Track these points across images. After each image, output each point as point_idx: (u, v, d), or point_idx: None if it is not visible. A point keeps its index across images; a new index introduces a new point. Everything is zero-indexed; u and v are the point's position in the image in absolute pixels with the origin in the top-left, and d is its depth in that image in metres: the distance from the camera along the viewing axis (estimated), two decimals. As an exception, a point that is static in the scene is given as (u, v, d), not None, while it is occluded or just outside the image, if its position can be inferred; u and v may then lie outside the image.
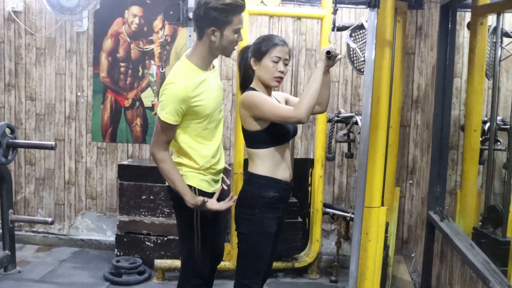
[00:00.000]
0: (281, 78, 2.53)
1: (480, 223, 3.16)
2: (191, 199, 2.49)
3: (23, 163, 4.78)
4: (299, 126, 4.33)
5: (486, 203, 3.12)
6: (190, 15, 3.50)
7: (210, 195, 2.60)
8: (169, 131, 2.47)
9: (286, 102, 2.67)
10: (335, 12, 2.72)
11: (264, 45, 2.50)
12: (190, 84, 2.44)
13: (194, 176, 2.57)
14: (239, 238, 2.57)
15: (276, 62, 2.49)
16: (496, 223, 2.94)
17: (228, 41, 2.49)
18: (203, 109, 2.49)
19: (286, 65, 2.54)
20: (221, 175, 2.75)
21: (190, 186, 2.54)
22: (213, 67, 2.64)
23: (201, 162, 2.56)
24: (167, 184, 2.64)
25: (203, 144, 2.56)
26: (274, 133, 2.49)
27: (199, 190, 2.56)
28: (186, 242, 2.62)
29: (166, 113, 2.42)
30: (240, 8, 2.46)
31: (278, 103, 2.52)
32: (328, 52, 2.45)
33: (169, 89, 2.43)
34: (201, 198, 2.48)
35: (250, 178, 2.55)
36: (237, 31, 2.49)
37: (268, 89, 2.57)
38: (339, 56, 2.52)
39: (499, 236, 2.85)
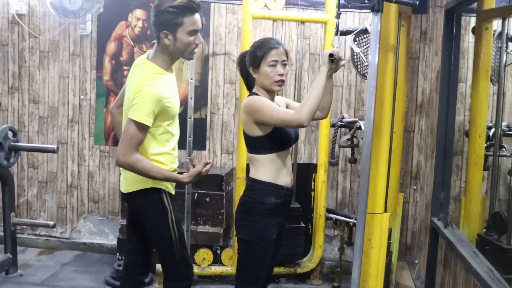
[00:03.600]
0: (283, 81, 2.49)
1: (484, 230, 3.13)
2: (186, 178, 2.48)
3: (26, 165, 4.77)
4: (302, 131, 4.32)
5: (491, 210, 3.09)
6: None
7: (174, 197, 2.61)
8: (142, 133, 2.41)
9: (287, 107, 2.64)
10: (338, 16, 2.70)
11: (258, 51, 2.47)
12: (162, 85, 2.44)
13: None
14: (240, 244, 2.55)
15: (274, 66, 2.46)
16: (501, 230, 2.91)
17: (183, 44, 2.45)
18: (172, 110, 2.49)
19: (285, 65, 2.50)
20: None
21: (160, 189, 2.51)
22: (173, 70, 2.61)
23: (170, 164, 2.55)
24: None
25: (167, 146, 2.54)
26: (276, 139, 2.46)
27: (169, 193, 2.55)
28: (165, 248, 2.57)
29: (142, 115, 2.37)
30: (191, 9, 2.42)
31: (279, 107, 2.49)
32: (331, 55, 2.40)
33: (144, 90, 2.38)
34: (195, 170, 2.47)
35: (252, 184, 2.53)
36: (192, 33, 2.45)
37: (271, 94, 2.54)
38: (342, 62, 2.46)
39: (504, 243, 2.83)
